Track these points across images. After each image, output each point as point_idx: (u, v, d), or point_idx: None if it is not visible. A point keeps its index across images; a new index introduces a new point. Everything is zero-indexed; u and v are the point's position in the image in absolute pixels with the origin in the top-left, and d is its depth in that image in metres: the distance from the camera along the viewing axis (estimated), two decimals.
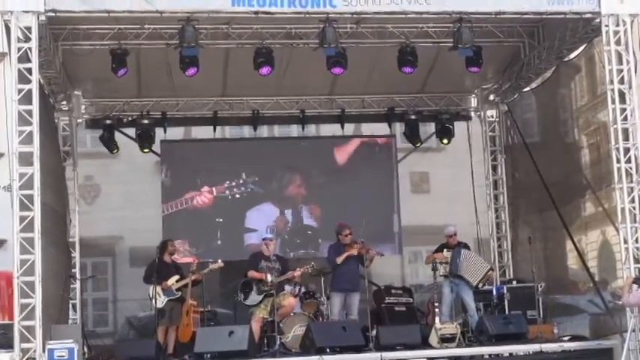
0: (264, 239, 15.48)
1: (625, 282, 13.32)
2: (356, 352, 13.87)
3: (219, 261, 15.60)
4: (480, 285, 15.96)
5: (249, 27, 15.34)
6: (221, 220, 18.88)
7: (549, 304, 17.26)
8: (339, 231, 15.72)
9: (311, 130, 19.90)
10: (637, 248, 13.83)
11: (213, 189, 19.02)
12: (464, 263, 15.64)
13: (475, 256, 15.97)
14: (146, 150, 18.72)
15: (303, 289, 16.37)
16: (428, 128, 19.88)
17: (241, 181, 18.99)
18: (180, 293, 15.33)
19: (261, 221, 19.07)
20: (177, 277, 15.34)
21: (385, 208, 19.34)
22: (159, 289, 15.23)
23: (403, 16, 14.19)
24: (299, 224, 19.34)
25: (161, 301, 15.24)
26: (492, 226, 19.25)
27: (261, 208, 19.25)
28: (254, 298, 14.84)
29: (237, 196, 18.98)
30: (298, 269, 15.22)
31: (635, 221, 13.92)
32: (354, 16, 14.41)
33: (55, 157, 16.36)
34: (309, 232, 19.23)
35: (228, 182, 18.96)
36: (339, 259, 15.34)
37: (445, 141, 19.53)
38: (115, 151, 18.71)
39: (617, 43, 14.16)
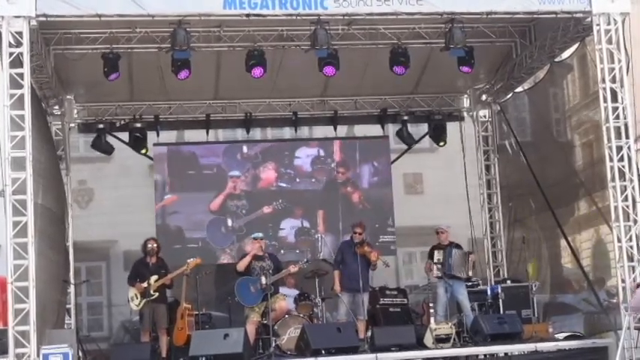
0: (254, 238, 15.28)
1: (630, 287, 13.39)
2: (351, 353, 13.86)
3: (197, 258, 15.62)
4: (470, 273, 15.95)
5: (241, 29, 15.34)
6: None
7: (544, 304, 17.31)
8: (351, 228, 15.64)
9: (304, 132, 19.91)
10: (630, 247, 13.86)
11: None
12: (454, 262, 15.64)
13: (460, 253, 15.95)
14: (143, 152, 18.73)
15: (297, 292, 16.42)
16: (421, 129, 19.90)
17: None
18: (156, 294, 15.06)
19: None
20: (155, 277, 15.14)
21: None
22: (135, 291, 15.20)
23: (394, 17, 14.23)
24: (301, 227, 19.39)
25: (135, 303, 15.18)
26: (486, 226, 19.26)
27: None
28: (252, 297, 14.77)
29: None
30: (293, 265, 15.16)
31: (628, 220, 13.95)
32: (346, 17, 14.44)
33: (53, 160, 16.37)
34: (309, 235, 19.28)
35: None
36: (239, 266, 15.04)
37: (442, 143, 19.57)
38: (111, 152, 18.68)
39: (609, 41, 14.22)
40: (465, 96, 19.82)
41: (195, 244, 18.79)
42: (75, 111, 18.48)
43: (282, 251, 18.24)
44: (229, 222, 19.05)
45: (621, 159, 14.05)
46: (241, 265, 14.85)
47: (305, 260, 15.63)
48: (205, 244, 18.88)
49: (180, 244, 18.60)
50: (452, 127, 19.67)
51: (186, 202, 19.00)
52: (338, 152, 19.65)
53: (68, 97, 18.01)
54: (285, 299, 15.25)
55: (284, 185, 19.40)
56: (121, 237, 18.93)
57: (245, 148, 19.49)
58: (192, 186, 19.10)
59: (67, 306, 16.79)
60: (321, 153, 19.62)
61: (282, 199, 19.10)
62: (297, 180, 19.46)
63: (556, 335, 15.69)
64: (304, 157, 19.57)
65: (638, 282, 13.37)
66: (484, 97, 19.35)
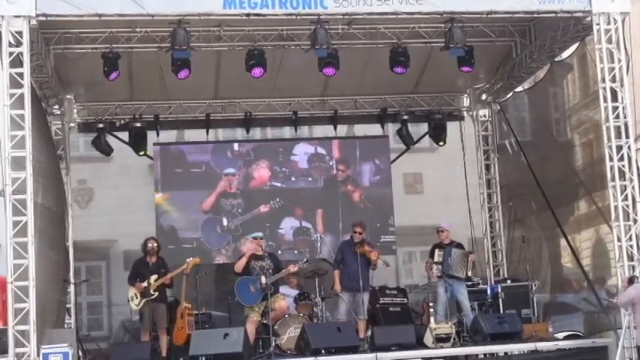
0: (254, 238, 15.30)
1: (621, 282, 13.39)
2: (351, 352, 13.86)
3: (197, 257, 15.63)
4: (470, 274, 15.94)
5: (241, 29, 15.35)
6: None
7: (545, 303, 17.31)
8: (352, 228, 15.62)
9: (304, 131, 19.88)
10: (630, 246, 13.85)
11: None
12: (453, 262, 15.64)
13: (460, 252, 15.94)
14: (142, 153, 18.70)
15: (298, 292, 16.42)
16: (421, 129, 19.89)
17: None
18: (156, 294, 15.04)
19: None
20: (155, 276, 15.11)
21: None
22: (135, 290, 15.18)
23: (394, 16, 14.24)
24: (299, 227, 19.32)
25: (135, 303, 15.17)
26: (486, 225, 19.26)
27: None
28: (252, 296, 14.75)
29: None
30: (292, 265, 15.17)
31: (628, 219, 13.94)
32: (346, 17, 14.44)
33: (52, 160, 16.37)
34: (307, 234, 19.23)
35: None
36: (237, 267, 15.08)
37: (441, 143, 19.55)
38: (111, 152, 18.68)
39: (609, 41, 14.21)
40: (465, 95, 19.82)
41: (189, 244, 18.66)
42: (75, 110, 18.48)
43: (279, 251, 18.08)
44: (225, 221, 18.94)
45: (621, 158, 14.04)
46: (239, 266, 14.86)
47: (305, 260, 15.64)
48: (200, 244, 18.75)
49: (174, 245, 18.38)
50: (452, 127, 19.66)
51: (178, 201, 18.87)
52: (337, 150, 19.59)
53: (68, 96, 18.01)
54: (285, 299, 15.26)
55: (278, 185, 19.25)
56: (121, 236, 18.92)
57: (236, 145, 19.38)
58: (182, 184, 18.94)
59: (67, 305, 16.78)
60: (319, 150, 19.54)
61: (279, 197, 18.99)
62: (293, 179, 19.34)
63: (556, 335, 15.70)
64: (301, 154, 19.46)
65: (628, 278, 13.36)
66: (484, 96, 19.35)
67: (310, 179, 19.43)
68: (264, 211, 18.95)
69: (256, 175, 19.24)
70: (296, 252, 18.71)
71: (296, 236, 19.09)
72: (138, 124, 18.54)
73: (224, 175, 19.04)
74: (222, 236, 18.93)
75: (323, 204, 19.29)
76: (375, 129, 19.82)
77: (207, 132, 19.20)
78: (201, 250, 18.19)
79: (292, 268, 15.14)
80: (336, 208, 19.20)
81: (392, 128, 19.78)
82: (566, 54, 16.56)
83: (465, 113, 19.88)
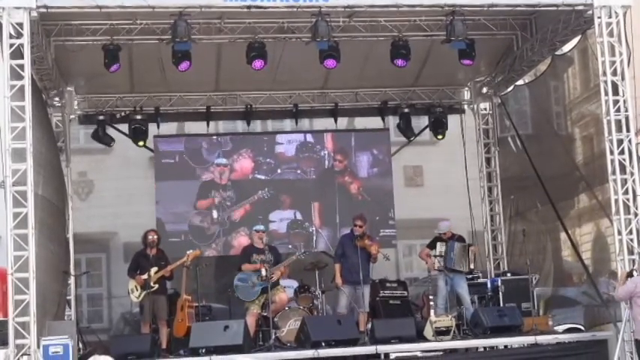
0: (256, 230, 15.32)
1: (620, 276, 13.40)
2: (351, 345, 13.88)
3: (197, 249, 15.72)
4: (472, 266, 15.95)
5: (242, 21, 15.31)
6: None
7: (547, 298, 17.32)
8: (352, 221, 15.65)
9: (304, 124, 19.86)
10: (631, 239, 13.86)
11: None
12: (456, 256, 15.65)
13: (461, 246, 15.95)
14: (141, 143, 18.65)
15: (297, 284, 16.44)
16: (421, 121, 19.87)
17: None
18: (156, 286, 15.05)
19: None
20: (155, 269, 15.12)
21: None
22: (135, 283, 15.18)
23: (395, 9, 14.22)
24: (294, 220, 19.26)
25: (135, 295, 15.19)
26: (486, 218, 19.26)
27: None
28: (252, 292, 14.76)
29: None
30: (282, 265, 15.18)
31: (628, 213, 13.94)
32: (347, 9, 14.41)
33: (53, 151, 16.36)
34: (303, 228, 19.18)
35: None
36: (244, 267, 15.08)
37: (440, 137, 19.52)
38: (112, 143, 18.66)
39: (610, 34, 14.20)
40: (466, 89, 19.80)
41: (177, 237, 18.48)
42: (75, 102, 18.45)
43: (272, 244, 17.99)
44: (214, 214, 18.81)
45: (622, 152, 14.04)
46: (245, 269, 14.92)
47: (303, 252, 15.67)
48: (188, 238, 18.58)
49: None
50: (452, 120, 19.64)
51: (160, 193, 18.65)
52: (331, 140, 19.49)
53: (69, 88, 17.98)
54: (285, 291, 15.28)
55: (262, 177, 19.07)
56: (121, 229, 18.95)
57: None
58: (159, 175, 18.74)
59: (67, 297, 16.77)
60: (309, 139, 19.42)
61: (268, 188, 18.75)
62: (279, 171, 19.19)
63: (556, 328, 15.71)
64: (286, 143, 19.36)
65: (627, 273, 13.38)
66: (485, 89, 19.33)
67: (299, 171, 19.26)
68: (254, 201, 18.76)
69: (237, 167, 19.06)
70: (290, 246, 18.63)
71: (290, 229, 18.99)
72: (138, 117, 18.51)
73: (215, 166, 18.90)
74: (211, 229, 18.80)
75: (319, 197, 19.20)
76: (375, 122, 19.79)
77: (208, 124, 19.18)
78: (190, 244, 17.74)
79: (282, 269, 15.09)
80: (333, 201, 19.13)
81: (393, 121, 19.76)
82: (567, 47, 16.57)
83: (465, 106, 19.86)
